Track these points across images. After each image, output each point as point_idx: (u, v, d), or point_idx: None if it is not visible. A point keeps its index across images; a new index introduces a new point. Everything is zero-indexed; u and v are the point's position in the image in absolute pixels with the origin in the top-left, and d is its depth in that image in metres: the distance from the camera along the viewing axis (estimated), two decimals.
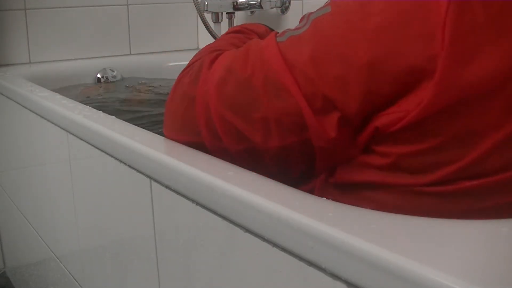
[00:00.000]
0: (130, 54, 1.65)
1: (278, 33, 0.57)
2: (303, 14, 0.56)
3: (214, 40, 1.42)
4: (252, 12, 1.50)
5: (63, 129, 0.91)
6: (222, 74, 0.57)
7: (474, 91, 0.45)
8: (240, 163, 0.58)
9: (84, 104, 0.94)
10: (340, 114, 0.50)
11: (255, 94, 0.54)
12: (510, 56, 0.44)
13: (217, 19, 1.44)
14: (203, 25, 1.37)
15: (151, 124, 1.09)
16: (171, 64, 1.62)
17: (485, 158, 0.46)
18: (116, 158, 0.73)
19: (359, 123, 0.50)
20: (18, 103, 1.15)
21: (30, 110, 1.07)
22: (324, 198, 0.48)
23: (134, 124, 0.77)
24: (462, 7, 0.44)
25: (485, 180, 0.47)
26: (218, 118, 0.57)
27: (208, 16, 1.40)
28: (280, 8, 1.40)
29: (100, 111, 0.86)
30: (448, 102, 0.45)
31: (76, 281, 1.01)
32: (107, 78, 1.46)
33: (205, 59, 0.62)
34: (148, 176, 0.66)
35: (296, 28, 0.55)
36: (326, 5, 0.53)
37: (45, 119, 0.99)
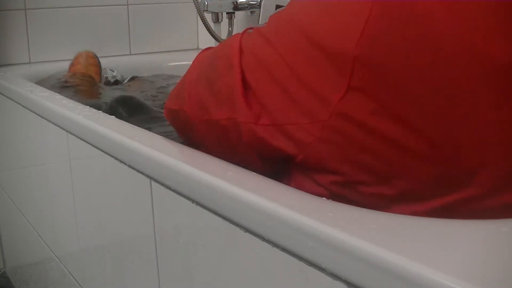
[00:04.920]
0: (130, 54, 1.65)
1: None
2: None
3: (214, 40, 1.42)
4: (252, 12, 1.50)
5: (63, 129, 0.91)
6: (204, 57, 0.64)
7: None
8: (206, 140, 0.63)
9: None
10: None
11: (218, 71, 0.60)
12: None
13: (217, 19, 1.44)
14: (203, 25, 1.37)
15: None
16: (171, 64, 1.62)
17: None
18: (116, 158, 0.73)
19: None
20: (18, 103, 1.15)
21: (30, 110, 1.07)
22: (324, 198, 0.48)
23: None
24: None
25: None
26: (194, 89, 0.63)
27: (208, 16, 1.40)
28: (280, 8, 1.40)
29: (100, 111, 0.86)
30: None
31: (76, 281, 1.01)
32: (107, 78, 1.45)
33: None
34: (148, 176, 0.66)
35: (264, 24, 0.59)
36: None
37: (45, 119, 0.99)
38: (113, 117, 0.82)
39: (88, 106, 0.90)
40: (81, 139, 0.84)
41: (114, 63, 1.51)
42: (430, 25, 0.43)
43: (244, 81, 0.55)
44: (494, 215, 0.45)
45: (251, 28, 0.60)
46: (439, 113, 0.44)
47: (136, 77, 1.47)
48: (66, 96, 1.05)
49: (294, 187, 0.54)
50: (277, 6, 1.22)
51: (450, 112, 0.44)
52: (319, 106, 0.48)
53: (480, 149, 0.44)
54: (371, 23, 0.44)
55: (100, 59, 1.45)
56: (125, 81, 1.45)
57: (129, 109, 1.02)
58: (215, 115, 0.59)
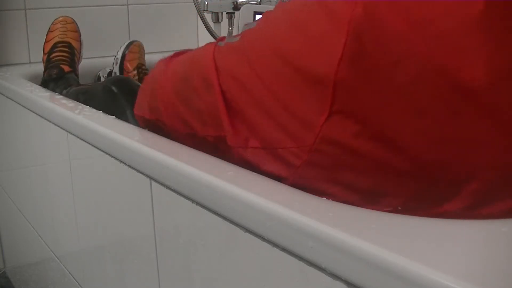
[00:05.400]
0: None
1: (225, 37, 0.61)
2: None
3: (214, 40, 1.42)
4: None
5: (63, 129, 0.91)
6: (176, 68, 0.64)
7: None
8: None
9: None
10: None
11: (194, 89, 0.60)
12: None
13: (217, 19, 1.44)
14: (203, 25, 1.37)
15: None
16: None
17: None
18: (116, 158, 0.73)
19: None
20: (18, 103, 1.15)
21: (30, 110, 1.07)
22: (324, 198, 0.48)
23: None
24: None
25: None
26: (171, 105, 0.64)
27: (208, 16, 1.40)
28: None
29: (100, 111, 0.86)
30: None
31: (76, 281, 1.01)
32: (105, 77, 1.45)
33: (173, 53, 0.69)
34: (148, 176, 0.66)
35: (235, 36, 0.58)
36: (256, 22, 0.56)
37: (45, 119, 0.99)
38: (113, 117, 0.82)
39: (88, 106, 0.90)
40: (81, 139, 0.84)
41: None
42: (402, 46, 0.42)
43: (226, 102, 0.54)
44: None
45: (222, 39, 0.59)
46: (420, 131, 0.44)
47: (134, 41, 1.44)
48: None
49: None
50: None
51: (430, 130, 0.44)
52: (304, 130, 0.48)
53: (465, 163, 0.44)
54: (349, 47, 0.43)
55: (100, 59, 1.45)
56: (122, 49, 1.41)
57: (124, 90, 0.97)
58: (200, 132, 0.59)
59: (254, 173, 0.55)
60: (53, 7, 1.50)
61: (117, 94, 0.97)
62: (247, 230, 0.50)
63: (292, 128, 0.49)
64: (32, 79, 1.29)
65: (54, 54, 1.29)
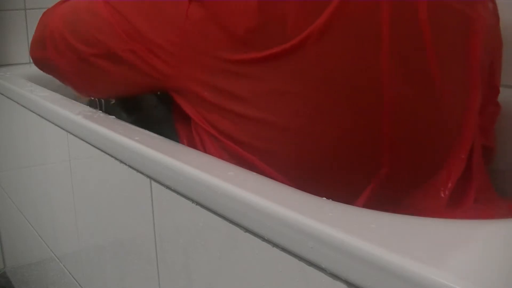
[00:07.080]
0: None
1: None
2: None
3: None
4: None
5: (63, 129, 0.91)
6: (65, 9, 0.76)
7: None
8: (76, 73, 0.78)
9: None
10: None
11: (82, 19, 0.72)
12: None
13: None
14: None
15: None
16: None
17: None
18: (116, 158, 0.73)
19: None
20: (18, 103, 1.15)
21: (30, 110, 1.07)
22: (324, 198, 0.48)
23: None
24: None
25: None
26: (59, 36, 0.76)
27: None
28: None
29: (100, 111, 0.86)
30: None
31: (76, 281, 1.01)
32: None
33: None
34: (148, 176, 0.66)
35: None
36: None
37: (45, 119, 0.99)
38: (113, 117, 0.82)
39: (88, 106, 0.90)
40: (81, 139, 0.84)
41: None
42: None
43: (114, 19, 0.65)
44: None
45: None
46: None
47: None
48: None
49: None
50: None
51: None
52: (177, 13, 0.59)
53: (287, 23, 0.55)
54: None
55: None
56: None
57: None
58: (85, 52, 0.71)
59: (254, 173, 0.55)
60: None
61: None
62: (247, 230, 0.50)
63: (163, 21, 0.60)
64: (32, 79, 1.29)
65: None
